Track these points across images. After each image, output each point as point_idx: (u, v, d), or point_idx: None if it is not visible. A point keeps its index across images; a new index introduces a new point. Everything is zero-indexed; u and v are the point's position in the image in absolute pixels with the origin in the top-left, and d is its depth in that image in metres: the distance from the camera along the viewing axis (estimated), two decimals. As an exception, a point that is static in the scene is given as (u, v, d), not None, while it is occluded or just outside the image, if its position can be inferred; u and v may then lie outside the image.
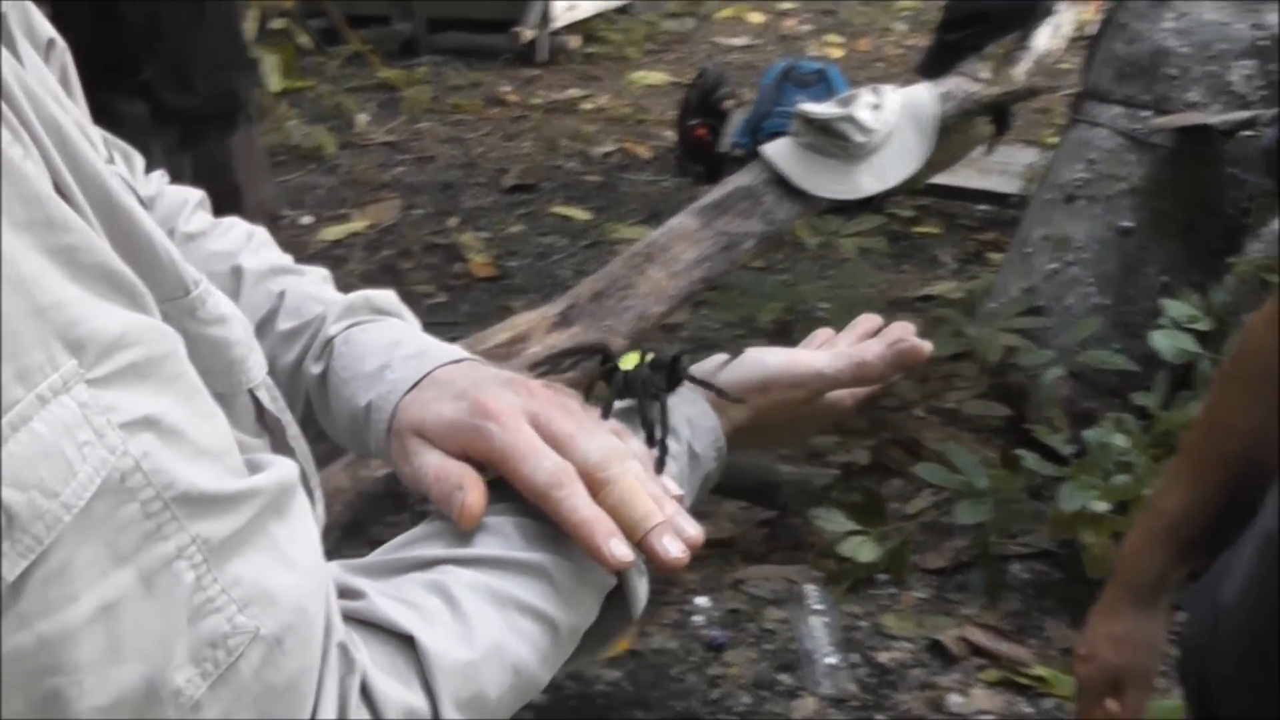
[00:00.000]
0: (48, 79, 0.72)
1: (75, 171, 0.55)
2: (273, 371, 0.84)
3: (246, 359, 0.69)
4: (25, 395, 0.46)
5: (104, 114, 2.99)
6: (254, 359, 0.70)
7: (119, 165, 0.82)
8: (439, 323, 3.75)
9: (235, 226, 1.01)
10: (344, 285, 3.15)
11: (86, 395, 0.48)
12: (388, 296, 0.92)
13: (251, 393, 0.70)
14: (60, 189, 0.53)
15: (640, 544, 0.68)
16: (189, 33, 2.72)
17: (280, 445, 0.73)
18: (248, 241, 0.98)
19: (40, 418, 0.47)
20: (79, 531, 0.48)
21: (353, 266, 4.21)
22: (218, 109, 2.80)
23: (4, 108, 0.50)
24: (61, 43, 0.86)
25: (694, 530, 0.69)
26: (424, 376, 0.79)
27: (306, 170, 5.14)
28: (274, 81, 5.80)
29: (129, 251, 0.57)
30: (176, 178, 3.11)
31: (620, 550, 0.67)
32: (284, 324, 0.89)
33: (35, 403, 0.46)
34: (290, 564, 0.57)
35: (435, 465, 0.72)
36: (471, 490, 0.69)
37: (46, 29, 0.85)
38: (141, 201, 0.77)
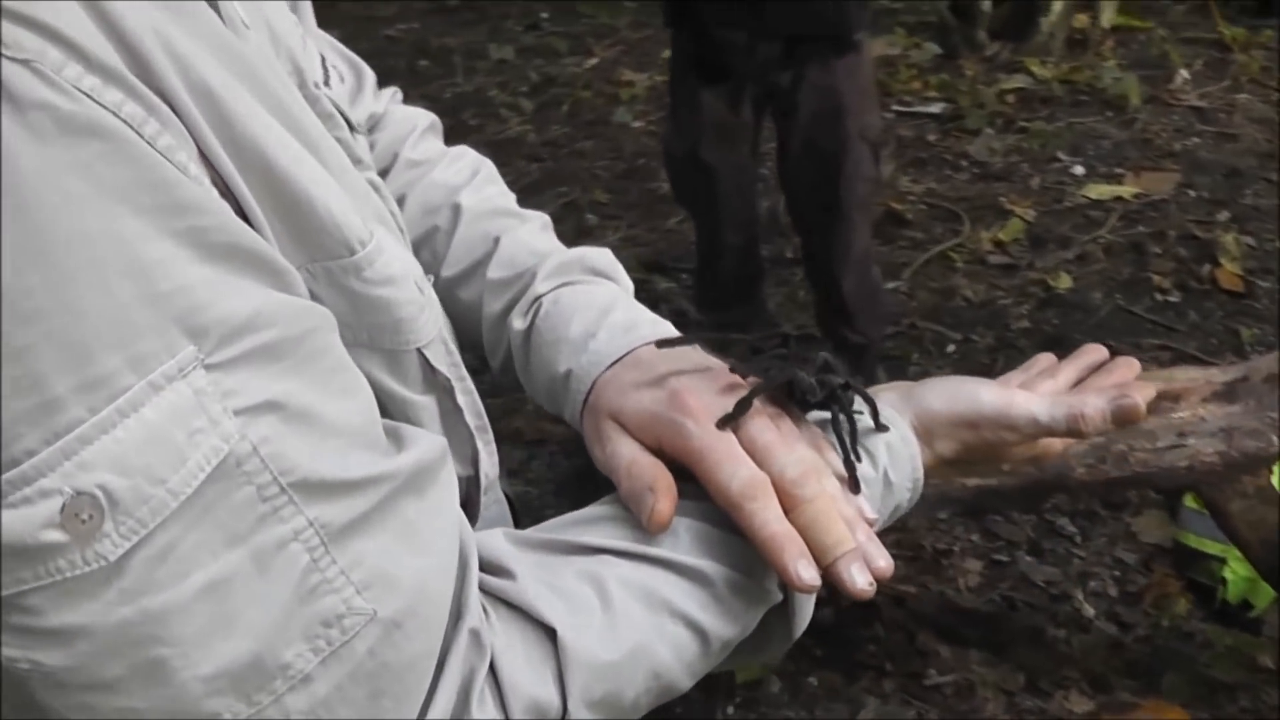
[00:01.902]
0: (262, 1, 0.68)
1: (226, 136, 0.53)
2: (478, 318, 0.86)
3: (416, 318, 0.66)
4: (137, 382, 0.46)
5: (704, 35, 2.96)
6: (425, 317, 0.67)
7: (334, 88, 0.76)
8: (1157, 323, 3.38)
9: (463, 158, 0.94)
10: (1082, 252, 2.91)
11: (204, 381, 0.48)
12: (603, 256, 0.86)
13: (420, 351, 0.67)
14: (206, 156, 0.51)
15: (828, 570, 0.64)
16: None
17: (448, 404, 0.71)
18: (472, 177, 0.92)
19: (152, 405, 0.46)
20: (186, 516, 0.47)
21: (1100, 233, 3.88)
22: (823, 29, 2.61)
23: (138, 84, 0.48)
24: None
25: (884, 561, 0.65)
26: (628, 353, 0.75)
27: (1102, 117, 4.78)
28: (1107, 16, 5.43)
29: (284, 215, 0.56)
30: (774, 94, 3.08)
31: (808, 574, 0.63)
32: (495, 272, 0.85)
33: (147, 390, 0.46)
34: (421, 546, 0.56)
35: (628, 458, 0.69)
36: (663, 496, 0.66)
37: None
38: (351, 126, 0.73)
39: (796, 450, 0.68)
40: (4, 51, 0.43)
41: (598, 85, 5.56)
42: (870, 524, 0.68)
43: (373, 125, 0.94)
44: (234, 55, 0.57)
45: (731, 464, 0.66)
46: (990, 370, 3.11)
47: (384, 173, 0.91)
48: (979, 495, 2.60)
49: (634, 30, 6.27)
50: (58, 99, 0.44)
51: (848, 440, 0.70)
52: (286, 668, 0.51)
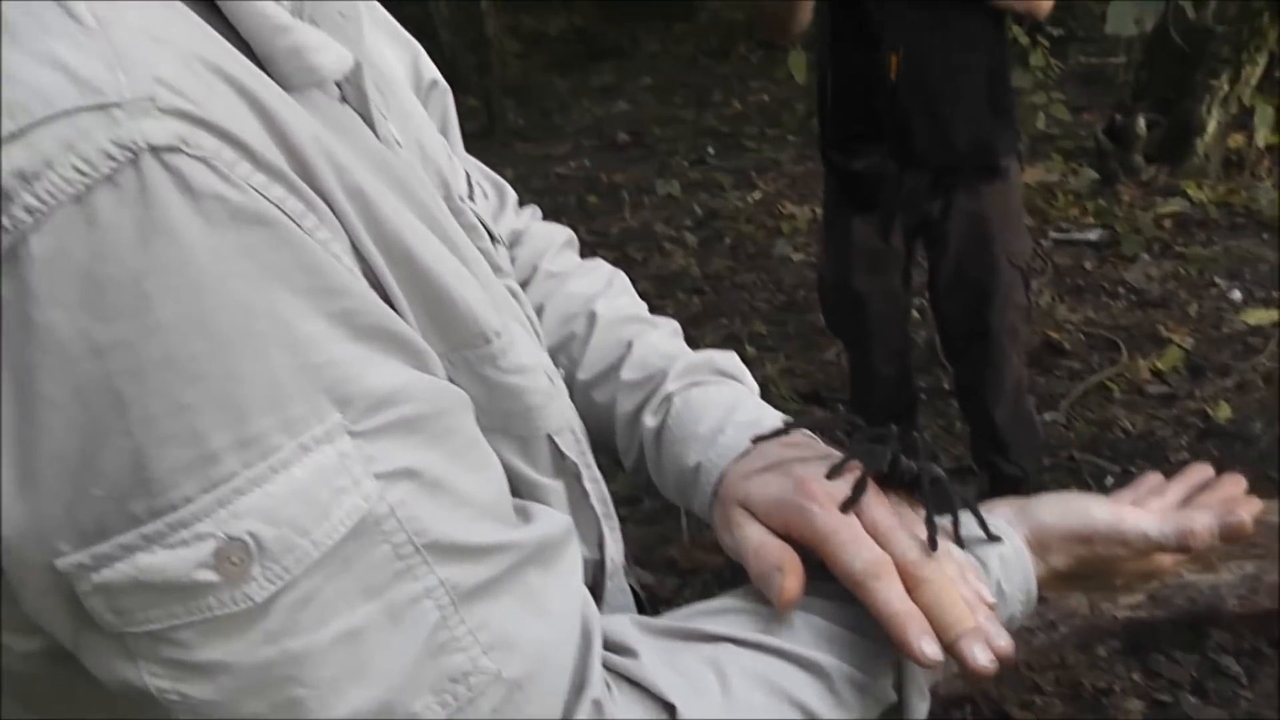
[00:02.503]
0: (413, 122, 0.75)
1: (376, 234, 0.57)
2: (611, 418, 0.89)
3: (545, 407, 0.69)
4: (288, 443, 0.50)
5: (856, 165, 3.02)
6: (554, 407, 0.71)
7: (478, 202, 0.83)
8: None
9: (598, 269, 1.01)
10: (1241, 380, 2.87)
11: (349, 446, 0.51)
12: (730, 359, 0.91)
13: (550, 438, 0.71)
14: (358, 250, 0.56)
15: (950, 647, 0.65)
16: (950, 84, 2.58)
17: (576, 489, 0.75)
18: (607, 287, 0.98)
19: (301, 464, 0.50)
20: (328, 567, 0.51)
21: (1259, 360, 3.81)
22: (971, 158, 2.64)
23: (300, 183, 0.52)
24: (443, 84, 0.91)
25: (1005, 641, 0.66)
26: (753, 445, 0.78)
27: (1259, 240, 4.69)
28: (1262, 135, 5.34)
29: (427, 306, 0.60)
30: (925, 223, 3.06)
31: (931, 649, 0.64)
32: (627, 374, 0.89)
33: (297, 450, 0.50)
34: (544, 614, 0.59)
35: (756, 542, 0.71)
36: (790, 575, 0.68)
37: (430, 71, 0.89)
38: (493, 237, 0.80)
39: (916, 534, 0.70)
40: (186, 149, 0.48)
41: (759, 218, 5.68)
42: (990, 608, 0.69)
43: (514, 241, 1.00)
44: (386, 166, 0.63)
45: (855, 546, 0.68)
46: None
47: (524, 284, 0.95)
48: (1130, 627, 2.55)
49: (796, 164, 6.39)
50: (229, 191, 0.49)
51: (932, 514, 0.72)
52: (415, 718, 0.54)
